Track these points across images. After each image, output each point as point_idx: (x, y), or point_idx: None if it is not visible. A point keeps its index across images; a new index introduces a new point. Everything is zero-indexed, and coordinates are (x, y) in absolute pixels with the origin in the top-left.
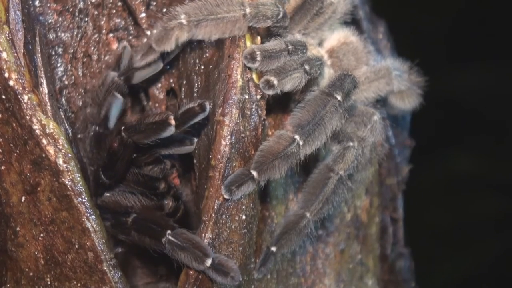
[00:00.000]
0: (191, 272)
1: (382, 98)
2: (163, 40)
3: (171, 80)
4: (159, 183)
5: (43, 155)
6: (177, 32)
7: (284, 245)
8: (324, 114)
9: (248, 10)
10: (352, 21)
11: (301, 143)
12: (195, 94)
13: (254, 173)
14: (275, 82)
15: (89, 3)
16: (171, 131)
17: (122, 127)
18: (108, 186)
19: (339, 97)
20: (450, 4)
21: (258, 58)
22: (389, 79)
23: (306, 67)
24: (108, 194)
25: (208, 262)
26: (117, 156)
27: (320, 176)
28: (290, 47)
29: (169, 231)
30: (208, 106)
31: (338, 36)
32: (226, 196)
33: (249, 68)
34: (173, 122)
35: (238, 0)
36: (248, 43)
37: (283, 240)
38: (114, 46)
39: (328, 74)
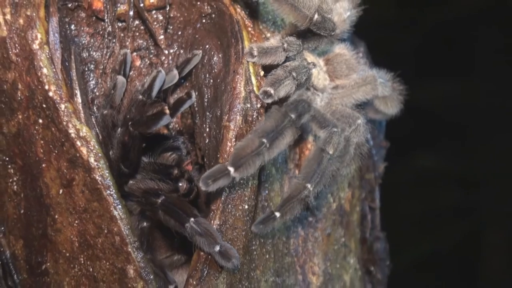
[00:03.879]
0: (202, 253)
1: (369, 101)
2: None
3: (185, 91)
4: (173, 170)
5: (78, 155)
6: None
7: (287, 212)
8: (283, 127)
9: (316, 17)
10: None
11: (268, 145)
12: (205, 103)
13: (231, 169)
14: (272, 91)
15: (116, 27)
16: (168, 119)
17: (130, 122)
18: (129, 175)
19: (293, 116)
20: (419, 30)
21: (256, 53)
22: (374, 85)
23: (294, 74)
24: (133, 182)
25: (217, 248)
26: (129, 147)
27: (315, 156)
28: (285, 45)
29: (192, 219)
30: (194, 94)
31: (333, 48)
32: (202, 188)
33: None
34: (167, 111)
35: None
36: None
37: (286, 207)
38: (138, 63)
39: (323, 78)
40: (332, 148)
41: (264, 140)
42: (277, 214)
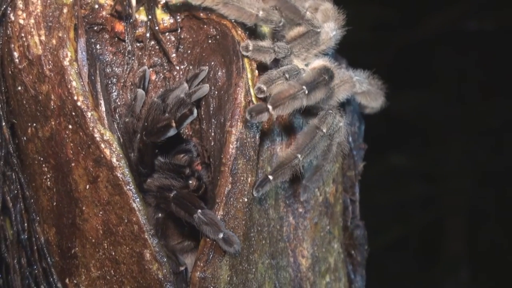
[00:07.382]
0: (208, 240)
1: (351, 98)
2: None
3: (188, 108)
4: (185, 169)
5: (102, 155)
6: None
7: (279, 176)
8: (320, 82)
9: (261, 13)
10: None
11: (306, 92)
12: (211, 112)
13: (270, 106)
14: (265, 88)
15: (135, 46)
16: (174, 131)
17: (144, 132)
18: (147, 174)
19: (326, 77)
20: (390, 51)
21: (250, 48)
22: (352, 82)
23: (286, 75)
24: (150, 180)
25: (221, 235)
26: (143, 153)
27: (309, 131)
28: (276, 48)
29: (199, 210)
30: (195, 110)
31: (319, 60)
32: (247, 117)
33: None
34: (174, 124)
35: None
36: (249, 75)
37: (279, 172)
38: (153, 77)
39: None
40: (325, 126)
41: (304, 87)
42: (270, 177)
